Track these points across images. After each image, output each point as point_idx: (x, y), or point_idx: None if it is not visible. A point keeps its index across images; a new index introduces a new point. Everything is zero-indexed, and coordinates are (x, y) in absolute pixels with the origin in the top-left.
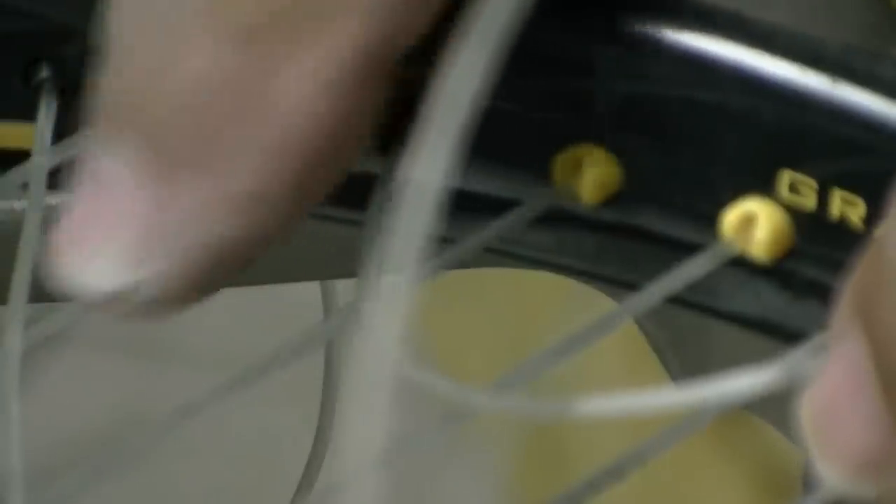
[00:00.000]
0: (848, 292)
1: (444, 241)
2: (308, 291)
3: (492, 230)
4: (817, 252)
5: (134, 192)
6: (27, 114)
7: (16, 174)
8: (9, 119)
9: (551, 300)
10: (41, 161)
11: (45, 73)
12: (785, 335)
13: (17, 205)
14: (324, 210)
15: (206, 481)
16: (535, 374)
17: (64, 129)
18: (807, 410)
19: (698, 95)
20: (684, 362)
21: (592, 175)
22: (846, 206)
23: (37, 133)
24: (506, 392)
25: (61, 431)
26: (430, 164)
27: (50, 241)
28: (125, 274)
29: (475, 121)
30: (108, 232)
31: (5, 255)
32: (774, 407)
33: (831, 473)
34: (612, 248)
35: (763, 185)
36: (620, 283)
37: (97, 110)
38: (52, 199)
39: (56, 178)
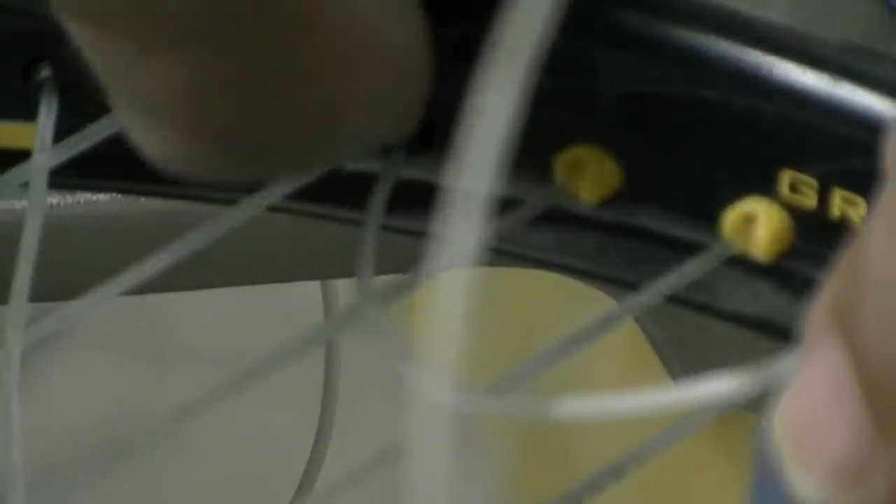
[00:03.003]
0: (823, 301)
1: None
2: (308, 291)
3: (492, 230)
4: (818, 251)
5: None
6: (27, 114)
7: (16, 174)
8: (9, 119)
9: (551, 300)
10: (42, 161)
11: (45, 73)
12: (785, 335)
13: (18, 205)
14: (324, 210)
15: (206, 481)
16: (536, 374)
17: (64, 128)
18: (782, 418)
19: (698, 95)
20: (684, 362)
21: (592, 175)
22: (847, 206)
23: (37, 133)
24: (504, 392)
25: (61, 431)
26: (475, 174)
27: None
28: None
29: (516, 129)
30: None
31: (5, 255)
32: (774, 406)
33: (808, 483)
34: (613, 247)
35: (763, 185)
36: (621, 283)
37: None
38: (53, 199)
39: (56, 178)
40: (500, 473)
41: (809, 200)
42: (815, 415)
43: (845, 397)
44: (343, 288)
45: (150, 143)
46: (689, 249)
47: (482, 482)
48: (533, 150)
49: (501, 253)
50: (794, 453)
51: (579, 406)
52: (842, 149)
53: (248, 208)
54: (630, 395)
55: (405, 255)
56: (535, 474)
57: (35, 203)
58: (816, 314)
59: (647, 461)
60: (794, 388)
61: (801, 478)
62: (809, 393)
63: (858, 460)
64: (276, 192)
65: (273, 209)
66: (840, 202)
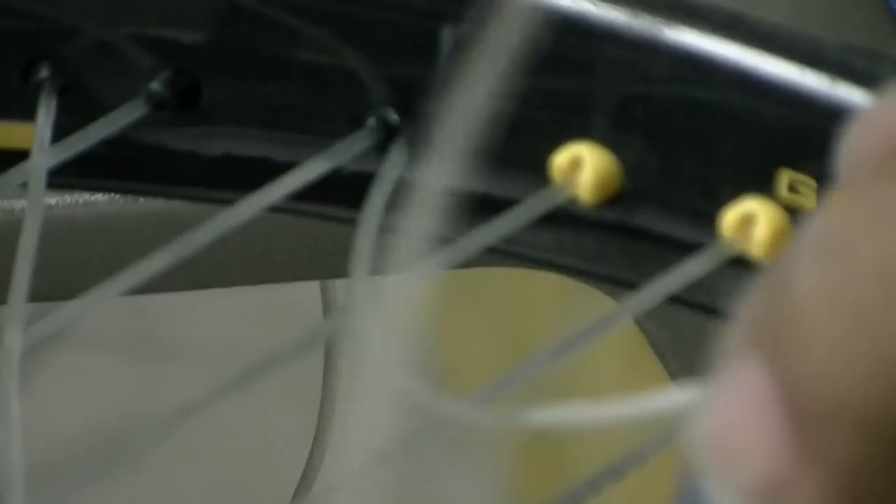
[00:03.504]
0: (744, 320)
1: (445, 240)
2: (308, 291)
3: (492, 230)
4: None
5: None
6: (27, 114)
7: (15, 174)
8: (9, 119)
9: (551, 300)
10: (41, 160)
11: (45, 72)
12: None
13: (17, 204)
14: (324, 210)
15: (206, 481)
16: (535, 374)
17: (64, 128)
18: (705, 430)
19: (698, 95)
20: (684, 362)
21: (592, 175)
22: None
23: (37, 133)
24: (491, 400)
25: (61, 431)
26: (440, 169)
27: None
28: None
29: (484, 127)
30: None
31: (5, 255)
32: (696, 417)
33: (728, 498)
34: (612, 247)
35: (762, 185)
36: (620, 283)
37: None
38: (52, 199)
39: (55, 178)
40: (499, 474)
41: (808, 200)
42: (737, 432)
43: (769, 418)
44: (343, 288)
45: None
46: (689, 249)
47: (481, 483)
48: (533, 150)
49: (501, 253)
50: (716, 467)
51: (560, 415)
52: None
53: (248, 208)
54: (612, 404)
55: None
56: (535, 474)
57: (34, 203)
58: (737, 332)
59: (646, 461)
60: (715, 402)
61: (722, 492)
62: (732, 409)
63: (780, 481)
64: (276, 192)
65: (273, 209)
66: None
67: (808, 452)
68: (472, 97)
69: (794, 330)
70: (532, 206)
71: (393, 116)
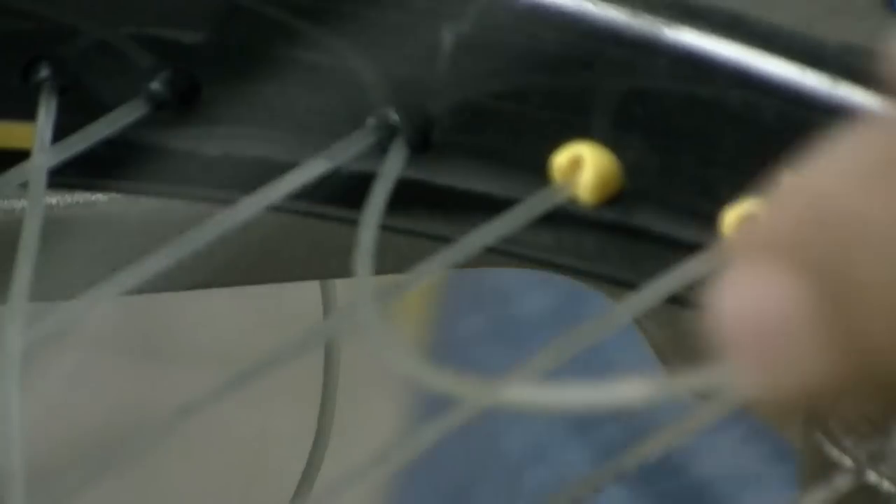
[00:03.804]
0: (771, 224)
1: (444, 240)
2: (308, 291)
3: (492, 230)
4: None
5: None
6: (27, 114)
7: (16, 174)
8: (9, 119)
9: None
10: (41, 160)
11: (45, 72)
12: None
13: (17, 204)
14: (324, 210)
15: (205, 481)
16: (535, 374)
17: (64, 128)
18: (734, 316)
19: (698, 95)
20: (684, 363)
21: (592, 175)
22: None
23: (37, 133)
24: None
25: (61, 431)
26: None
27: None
28: None
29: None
30: None
31: (5, 254)
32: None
33: (752, 383)
34: (612, 247)
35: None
36: (620, 283)
37: None
38: (52, 199)
39: (55, 178)
40: None
41: None
42: (777, 330)
43: (813, 331)
44: (343, 288)
45: None
46: (689, 250)
47: None
48: (532, 150)
49: (501, 253)
50: (747, 356)
51: (524, 393)
52: None
53: (248, 208)
54: (580, 388)
55: (404, 256)
56: None
57: (34, 203)
58: (761, 233)
59: (646, 460)
60: (743, 289)
61: (747, 377)
62: (772, 305)
63: (821, 388)
64: (276, 192)
65: (273, 209)
66: None
67: (852, 376)
68: None
69: (861, 298)
70: (532, 206)
71: (393, 116)
